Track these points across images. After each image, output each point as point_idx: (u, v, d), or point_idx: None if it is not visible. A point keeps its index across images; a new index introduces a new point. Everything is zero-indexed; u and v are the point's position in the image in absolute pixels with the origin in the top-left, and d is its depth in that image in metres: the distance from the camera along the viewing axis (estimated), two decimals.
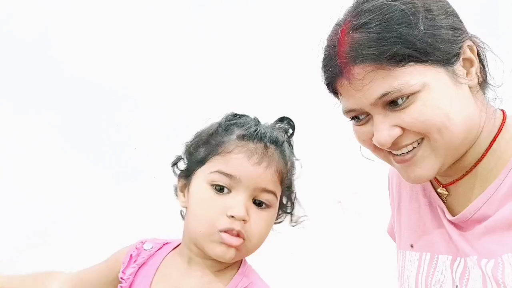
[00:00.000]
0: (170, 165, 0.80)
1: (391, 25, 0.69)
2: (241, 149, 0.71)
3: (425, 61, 0.69)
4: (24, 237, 1.75)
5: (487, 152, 0.74)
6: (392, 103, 0.71)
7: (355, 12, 0.72)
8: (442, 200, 0.82)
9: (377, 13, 0.70)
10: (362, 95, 0.71)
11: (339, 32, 0.73)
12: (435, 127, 0.70)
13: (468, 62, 0.73)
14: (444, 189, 0.81)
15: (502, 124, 0.75)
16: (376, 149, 0.77)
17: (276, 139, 0.74)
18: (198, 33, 1.89)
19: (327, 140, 1.70)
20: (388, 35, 0.69)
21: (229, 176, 0.70)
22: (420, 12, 0.70)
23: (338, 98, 0.78)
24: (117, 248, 0.83)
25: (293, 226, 0.80)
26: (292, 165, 0.77)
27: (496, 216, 0.70)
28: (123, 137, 1.82)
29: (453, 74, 0.71)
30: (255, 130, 0.73)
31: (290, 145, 0.80)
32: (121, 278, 0.78)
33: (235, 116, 0.78)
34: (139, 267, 0.78)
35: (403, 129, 0.72)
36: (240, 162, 0.70)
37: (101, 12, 1.85)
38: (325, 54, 0.76)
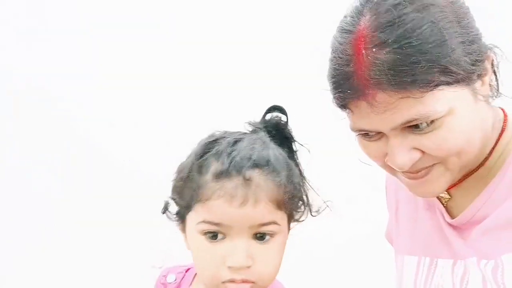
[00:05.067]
0: (161, 213, 0.74)
1: (423, 45, 0.62)
2: (219, 192, 0.64)
3: (453, 83, 0.64)
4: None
5: (491, 153, 0.73)
6: (413, 126, 0.66)
7: (377, 22, 0.63)
8: (442, 204, 0.81)
9: (405, 27, 0.62)
10: (383, 119, 0.65)
11: (357, 44, 0.63)
12: (456, 151, 0.67)
13: (484, 72, 0.69)
14: (446, 192, 0.79)
15: (504, 124, 0.74)
16: (384, 164, 0.73)
17: (257, 162, 0.65)
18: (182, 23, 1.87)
19: (323, 146, 1.70)
20: (420, 58, 0.61)
21: (216, 224, 0.65)
22: (452, 25, 0.64)
23: (345, 112, 0.71)
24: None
25: (314, 216, 0.74)
26: (291, 175, 0.69)
27: (494, 215, 0.70)
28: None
29: (475, 92, 0.68)
30: (230, 162, 0.64)
31: (286, 138, 0.73)
32: None
33: (207, 144, 0.69)
34: None
35: (421, 152, 0.67)
36: (222, 208, 0.64)
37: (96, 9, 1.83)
38: (336, 68, 0.66)
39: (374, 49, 0.62)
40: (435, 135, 0.66)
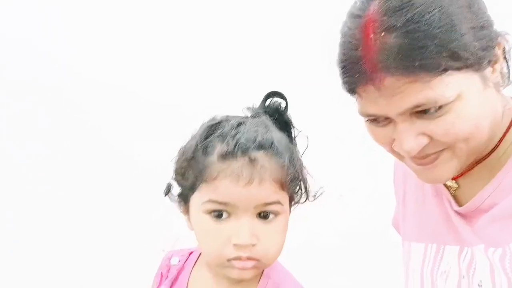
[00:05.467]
0: (163, 195, 0.75)
1: (432, 29, 0.61)
2: (225, 172, 0.65)
3: (462, 68, 0.64)
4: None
5: (500, 142, 0.73)
6: (421, 111, 0.66)
7: (386, 7, 0.63)
8: (450, 192, 0.81)
9: (414, 12, 0.61)
10: (391, 104, 0.65)
11: (365, 29, 0.63)
12: (464, 137, 0.67)
13: (494, 58, 0.69)
14: (454, 181, 0.79)
15: None
16: (392, 149, 0.73)
17: (262, 143, 0.66)
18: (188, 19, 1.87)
19: (329, 135, 1.70)
20: (429, 42, 0.61)
21: (223, 203, 0.66)
22: (462, 10, 0.63)
23: (354, 96, 0.71)
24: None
25: (312, 201, 0.76)
26: (292, 157, 0.70)
27: (503, 204, 0.70)
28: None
29: (484, 78, 0.67)
30: (236, 143, 0.65)
31: (286, 123, 0.74)
32: None
33: (211, 127, 0.69)
34: (171, 284, 0.79)
35: (429, 137, 0.67)
36: (228, 187, 0.65)
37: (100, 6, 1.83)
38: (345, 53, 0.67)
39: (382, 34, 0.62)
40: (443, 120, 0.66)
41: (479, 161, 0.75)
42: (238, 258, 0.67)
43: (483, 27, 0.66)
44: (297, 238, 1.64)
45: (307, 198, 0.76)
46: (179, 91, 1.82)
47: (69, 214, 1.78)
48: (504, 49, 0.70)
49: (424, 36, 0.61)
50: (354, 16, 0.67)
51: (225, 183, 0.65)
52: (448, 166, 0.71)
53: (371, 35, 0.63)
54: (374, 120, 0.71)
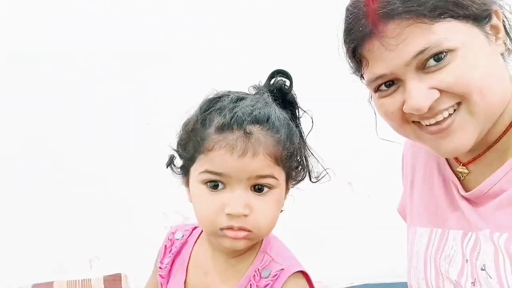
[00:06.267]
0: (165, 166, 0.77)
1: None
2: (221, 143, 0.66)
3: (462, 17, 0.66)
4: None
5: (511, 126, 0.72)
6: (427, 63, 0.66)
7: None
8: (458, 178, 0.80)
9: None
10: (396, 55, 0.66)
11: None
12: (477, 87, 0.66)
13: (495, 29, 0.71)
14: (465, 167, 0.78)
15: None
16: (404, 122, 0.73)
17: (258, 118, 0.68)
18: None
19: (337, 122, 1.69)
20: None
21: (217, 174, 0.67)
22: None
23: (360, 70, 0.73)
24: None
25: (314, 182, 0.76)
26: (291, 134, 0.71)
27: (511, 190, 0.69)
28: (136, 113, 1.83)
29: (488, 37, 0.69)
30: (232, 117, 0.67)
31: (290, 102, 0.75)
32: (159, 267, 0.82)
33: (211, 101, 0.72)
34: (174, 256, 0.81)
35: (440, 91, 0.67)
36: (223, 158, 0.66)
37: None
38: (349, 18, 0.70)
39: None
40: (452, 68, 0.66)
41: (490, 146, 0.74)
42: (230, 228, 0.68)
43: None
44: (305, 223, 1.65)
45: (309, 178, 0.76)
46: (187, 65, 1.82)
47: (75, 182, 1.81)
48: (503, 22, 0.72)
49: None
50: None
51: (220, 154, 0.67)
52: (467, 130, 0.69)
53: None
54: (382, 90, 0.71)
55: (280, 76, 0.76)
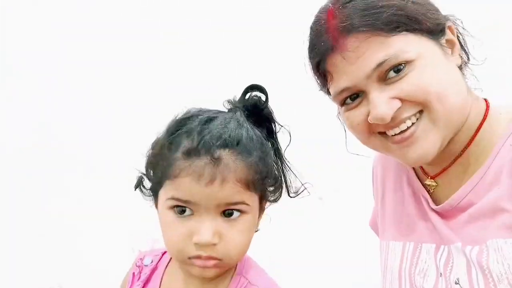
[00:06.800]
0: (134, 188, 0.73)
1: None
2: (188, 170, 0.63)
3: (417, 30, 0.69)
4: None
5: (474, 137, 0.74)
6: (388, 75, 0.69)
7: None
8: (428, 191, 0.81)
9: None
10: (357, 68, 0.69)
11: (328, 9, 0.71)
12: (435, 94, 0.69)
13: (450, 43, 0.74)
14: (433, 180, 0.80)
15: (486, 111, 0.76)
16: (370, 134, 0.75)
17: (228, 141, 0.64)
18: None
19: (308, 138, 1.69)
20: (380, 3, 0.68)
21: (184, 201, 0.64)
22: None
23: (326, 85, 0.75)
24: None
25: (293, 197, 0.74)
26: (264, 156, 0.68)
27: (480, 203, 0.70)
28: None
29: (442, 48, 0.72)
30: (199, 141, 0.63)
31: (265, 118, 0.73)
32: None
33: (179, 122, 0.68)
34: (144, 284, 0.77)
35: (402, 101, 0.70)
36: (189, 186, 0.63)
37: None
38: (312, 35, 0.74)
39: (340, 8, 0.70)
40: (410, 77, 0.69)
41: (456, 158, 0.76)
42: (199, 257, 0.65)
43: (431, 5, 0.74)
44: (276, 239, 1.63)
45: (288, 193, 0.74)
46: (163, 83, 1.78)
47: (40, 203, 1.72)
48: (457, 35, 0.76)
49: (382, 0, 0.69)
50: (320, 9, 0.75)
51: (187, 181, 0.63)
52: (430, 138, 0.71)
53: (332, 8, 0.71)
54: (347, 103, 0.74)
55: (255, 91, 0.74)
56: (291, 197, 0.75)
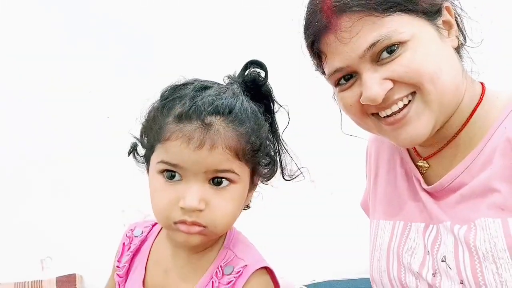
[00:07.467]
0: (127, 154, 0.73)
1: None
2: (178, 134, 0.63)
3: (412, 11, 0.69)
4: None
5: (468, 121, 0.74)
6: (381, 56, 0.69)
7: None
8: (420, 172, 0.81)
9: None
10: (350, 48, 0.69)
11: None
12: (428, 75, 0.68)
13: (447, 24, 0.74)
14: (425, 161, 0.80)
15: (482, 94, 0.75)
16: (363, 115, 0.75)
17: (220, 108, 0.64)
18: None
19: (301, 120, 1.69)
20: None
21: (173, 165, 0.64)
22: None
23: (321, 66, 0.75)
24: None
25: (288, 180, 0.73)
26: (258, 128, 0.67)
27: (472, 184, 0.70)
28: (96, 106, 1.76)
29: (438, 29, 0.71)
30: (191, 106, 0.63)
31: (263, 95, 0.72)
32: (117, 266, 0.78)
33: (175, 88, 0.68)
34: (133, 254, 0.77)
35: (394, 82, 0.69)
36: (179, 149, 0.63)
37: None
38: (307, 14, 0.73)
39: None
40: (402, 58, 0.68)
41: (450, 140, 0.76)
42: (184, 222, 0.64)
43: None
44: (268, 221, 1.64)
45: (282, 175, 0.74)
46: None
47: (26, 176, 1.72)
48: (456, 18, 0.75)
49: None
50: None
51: (176, 144, 0.63)
52: (422, 120, 0.71)
53: None
54: (341, 84, 0.73)
55: (254, 67, 0.73)
56: (286, 180, 0.74)
